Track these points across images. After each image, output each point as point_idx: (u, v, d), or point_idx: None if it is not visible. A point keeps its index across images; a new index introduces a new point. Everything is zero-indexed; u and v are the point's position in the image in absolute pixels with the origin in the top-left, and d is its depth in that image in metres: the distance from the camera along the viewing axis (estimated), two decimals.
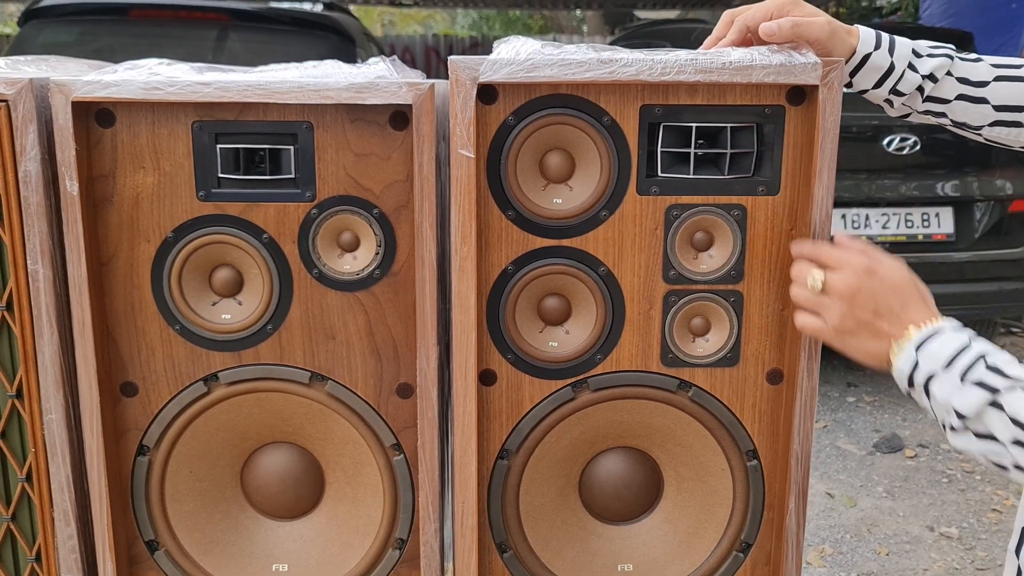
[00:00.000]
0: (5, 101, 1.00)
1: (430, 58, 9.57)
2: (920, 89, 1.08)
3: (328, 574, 1.19)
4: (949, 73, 1.08)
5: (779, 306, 1.12)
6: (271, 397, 1.13)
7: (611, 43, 6.58)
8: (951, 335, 0.94)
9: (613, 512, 1.21)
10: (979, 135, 1.11)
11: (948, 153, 4.11)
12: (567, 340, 1.13)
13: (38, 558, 1.14)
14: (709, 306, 1.12)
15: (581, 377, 1.13)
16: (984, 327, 4.61)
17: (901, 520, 3.22)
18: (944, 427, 0.93)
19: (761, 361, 1.14)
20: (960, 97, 1.08)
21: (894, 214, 4.09)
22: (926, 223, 4.10)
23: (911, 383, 0.95)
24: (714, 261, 1.11)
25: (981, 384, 0.89)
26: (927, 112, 1.11)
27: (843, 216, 4.06)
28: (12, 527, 1.13)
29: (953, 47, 1.10)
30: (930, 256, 4.10)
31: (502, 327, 1.11)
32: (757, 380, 1.14)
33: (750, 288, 1.11)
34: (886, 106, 1.12)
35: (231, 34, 3.72)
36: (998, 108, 1.08)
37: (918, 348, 0.94)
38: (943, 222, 4.11)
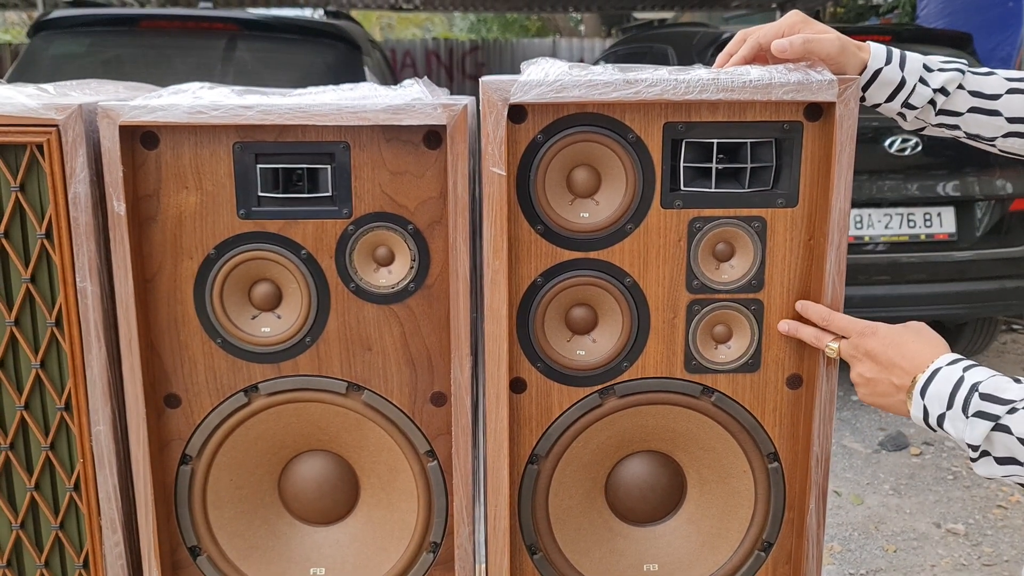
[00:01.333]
0: (56, 126, 1.04)
1: (430, 61, 9.62)
2: (932, 103, 1.12)
3: None
4: (961, 87, 1.12)
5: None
6: (309, 407, 1.17)
7: (611, 46, 6.62)
8: (946, 371, 1.01)
9: (638, 514, 1.25)
10: (993, 146, 1.14)
11: (949, 153, 4.15)
12: (594, 348, 1.17)
13: (86, 564, 1.18)
14: (731, 314, 1.16)
15: (608, 384, 1.17)
16: (986, 325, 4.66)
17: (908, 517, 3.27)
18: (970, 460, 0.99)
19: (781, 367, 1.18)
20: (972, 110, 1.12)
21: (896, 214, 4.13)
22: (928, 223, 4.15)
23: (931, 427, 1.02)
24: (735, 271, 1.15)
25: (981, 414, 0.96)
26: (941, 125, 1.15)
27: None
28: (61, 535, 1.18)
29: (965, 63, 1.14)
30: (932, 256, 4.14)
31: (532, 337, 1.15)
32: (777, 385, 1.18)
33: (770, 296, 1.15)
34: (899, 119, 1.16)
35: (240, 44, 3.76)
36: (1011, 120, 1.11)
37: (923, 394, 1.01)
38: (945, 222, 4.15)
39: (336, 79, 3.89)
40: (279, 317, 1.15)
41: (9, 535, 1.17)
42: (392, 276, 1.14)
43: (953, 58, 1.15)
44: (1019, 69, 5.96)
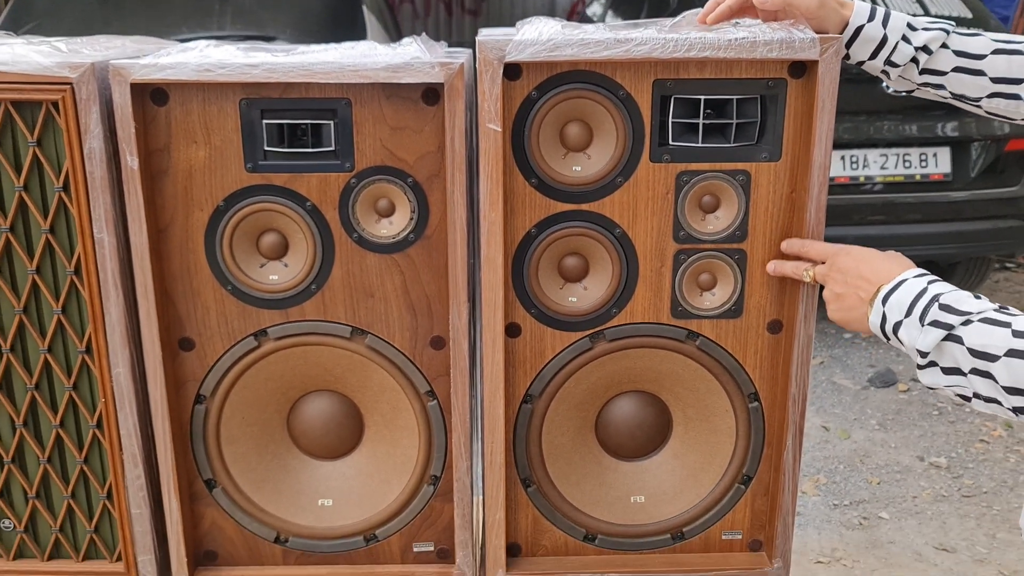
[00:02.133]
0: (70, 83, 1.09)
1: None
2: (915, 61, 1.15)
3: (369, 507, 1.31)
4: (945, 46, 1.15)
5: (782, 254, 1.22)
6: (315, 350, 1.24)
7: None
8: (911, 283, 1.04)
9: (626, 449, 1.33)
10: (979, 107, 1.17)
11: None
12: (585, 295, 1.23)
13: (109, 496, 1.26)
14: (715, 263, 1.22)
15: (598, 329, 1.24)
16: (978, 264, 4.72)
17: (892, 451, 3.38)
18: (917, 368, 1.04)
19: (763, 313, 1.24)
20: (957, 69, 1.15)
21: (892, 154, 4.16)
22: (924, 163, 4.18)
23: (885, 335, 1.05)
24: (720, 222, 1.21)
25: (936, 323, 0.98)
26: (926, 84, 1.18)
27: (842, 157, 4.12)
28: (85, 469, 1.26)
29: (952, 24, 1.16)
30: (927, 196, 4.18)
31: (526, 284, 1.22)
32: (759, 330, 1.25)
33: (753, 246, 1.21)
34: (884, 77, 1.20)
35: None
36: (995, 80, 1.14)
37: (884, 301, 1.04)
38: (940, 162, 4.18)
39: (333, 19, 3.90)
40: (286, 265, 1.21)
41: (37, 469, 1.25)
42: (393, 227, 1.19)
43: (941, 19, 1.17)
44: (1017, 31, 5.87)
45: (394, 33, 4.87)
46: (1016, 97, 1.15)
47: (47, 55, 1.10)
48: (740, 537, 1.34)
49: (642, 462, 1.34)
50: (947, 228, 4.23)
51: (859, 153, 4.15)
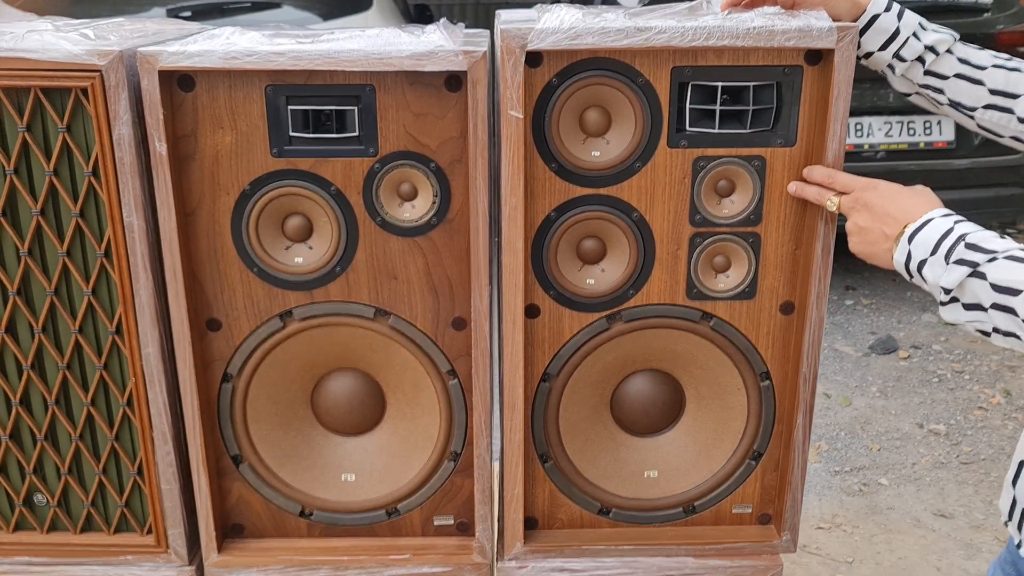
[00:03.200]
0: (99, 71, 1.11)
1: None
2: (921, 59, 1.19)
3: (391, 482, 1.35)
4: (950, 51, 1.18)
5: (792, 246, 1.25)
6: (339, 330, 1.27)
7: None
8: (938, 222, 1.05)
9: (641, 426, 1.37)
10: (972, 117, 1.21)
11: None
12: (603, 277, 1.26)
13: (140, 472, 1.30)
14: (730, 246, 1.25)
15: (615, 310, 1.27)
16: None
17: (893, 418, 3.43)
18: (940, 304, 1.06)
19: (775, 294, 1.27)
20: (958, 76, 1.18)
21: (897, 122, 4.16)
22: (928, 131, 4.18)
23: (909, 273, 1.08)
24: (735, 206, 1.23)
25: (962, 261, 1.01)
26: (926, 87, 1.21)
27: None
28: (116, 446, 1.29)
29: (958, 35, 1.20)
30: (931, 164, 4.20)
31: (545, 267, 1.25)
32: (771, 311, 1.28)
33: (767, 230, 1.24)
34: (889, 72, 1.22)
35: None
36: (993, 92, 1.18)
37: (910, 240, 1.07)
38: (944, 130, 4.19)
39: None
40: (311, 248, 1.24)
41: (70, 446, 1.29)
42: (416, 211, 1.22)
43: (948, 30, 1.20)
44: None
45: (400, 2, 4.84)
46: (1009, 111, 1.19)
47: (76, 43, 1.11)
48: (750, 511, 1.39)
49: (656, 438, 1.38)
50: (950, 195, 4.23)
51: (863, 120, 4.16)
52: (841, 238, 1.17)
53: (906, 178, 4.19)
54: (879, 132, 4.16)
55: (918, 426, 3.37)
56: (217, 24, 3.49)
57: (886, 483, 3.00)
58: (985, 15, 4.30)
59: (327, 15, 3.62)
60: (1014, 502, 1.17)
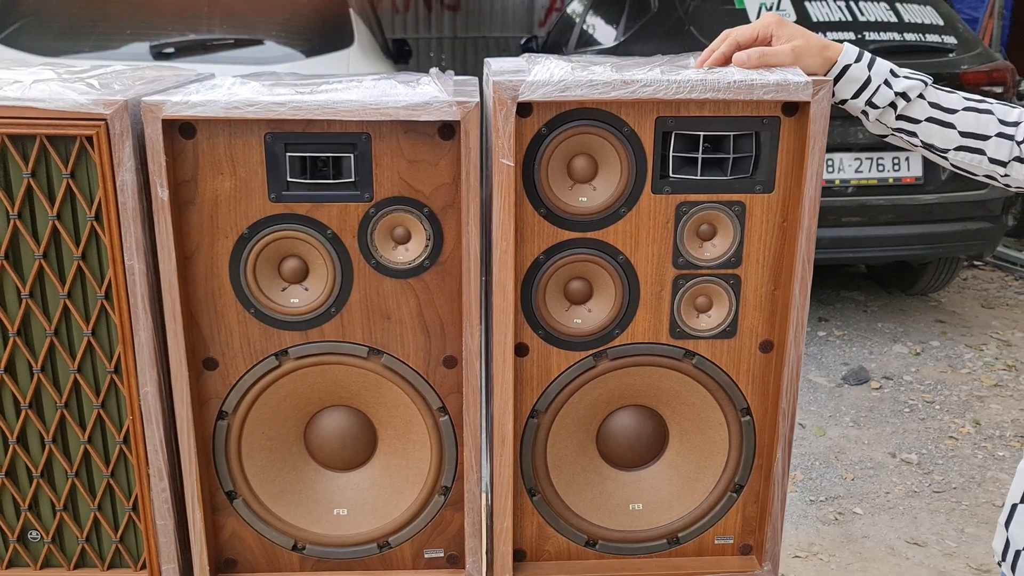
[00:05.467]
0: (104, 120, 1.14)
1: None
2: (893, 105, 1.25)
3: (382, 516, 1.38)
4: (922, 96, 1.25)
5: (771, 287, 1.30)
6: (333, 368, 1.31)
7: None
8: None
9: (626, 460, 1.41)
10: (945, 158, 1.27)
11: None
12: (589, 317, 1.31)
13: (135, 508, 1.32)
14: (712, 287, 1.30)
15: (601, 348, 1.32)
16: (948, 264, 4.86)
17: (866, 447, 3.50)
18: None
19: (755, 333, 1.33)
20: (930, 120, 1.25)
21: (867, 158, 4.28)
22: (896, 167, 4.30)
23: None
24: (716, 249, 1.28)
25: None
26: (900, 130, 1.27)
27: None
28: (112, 482, 1.31)
29: (931, 79, 1.26)
30: (900, 199, 4.31)
31: (534, 307, 1.29)
32: (751, 349, 1.33)
33: (747, 272, 1.29)
34: (863, 118, 1.29)
35: None
36: (964, 134, 1.24)
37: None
38: (912, 166, 4.31)
39: (322, 20, 3.93)
40: (306, 289, 1.27)
41: (65, 483, 1.31)
42: (409, 253, 1.26)
43: (920, 75, 1.27)
44: (993, 5, 5.97)
45: (378, 33, 4.91)
46: (980, 152, 1.24)
47: (82, 92, 1.15)
48: (732, 542, 1.43)
49: (640, 472, 1.42)
50: (919, 230, 4.37)
51: (834, 156, 4.27)
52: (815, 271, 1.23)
53: (876, 212, 4.31)
54: (849, 168, 4.26)
55: (891, 455, 3.44)
56: (201, 60, 3.55)
57: (861, 512, 3.06)
58: (950, 55, 4.44)
59: (310, 52, 3.68)
60: (1007, 543, 1.22)
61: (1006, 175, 1.24)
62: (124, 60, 3.51)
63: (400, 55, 5.60)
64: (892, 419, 3.72)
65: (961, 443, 3.53)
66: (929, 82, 1.25)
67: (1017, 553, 1.22)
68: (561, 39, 6.49)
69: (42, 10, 3.70)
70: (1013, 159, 1.23)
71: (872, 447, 3.50)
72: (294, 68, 3.58)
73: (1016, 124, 1.23)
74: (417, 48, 9.30)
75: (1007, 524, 1.24)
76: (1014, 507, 1.21)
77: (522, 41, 7.55)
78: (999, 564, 1.24)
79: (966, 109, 1.24)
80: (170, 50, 3.60)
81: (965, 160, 1.25)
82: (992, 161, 1.24)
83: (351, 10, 3.94)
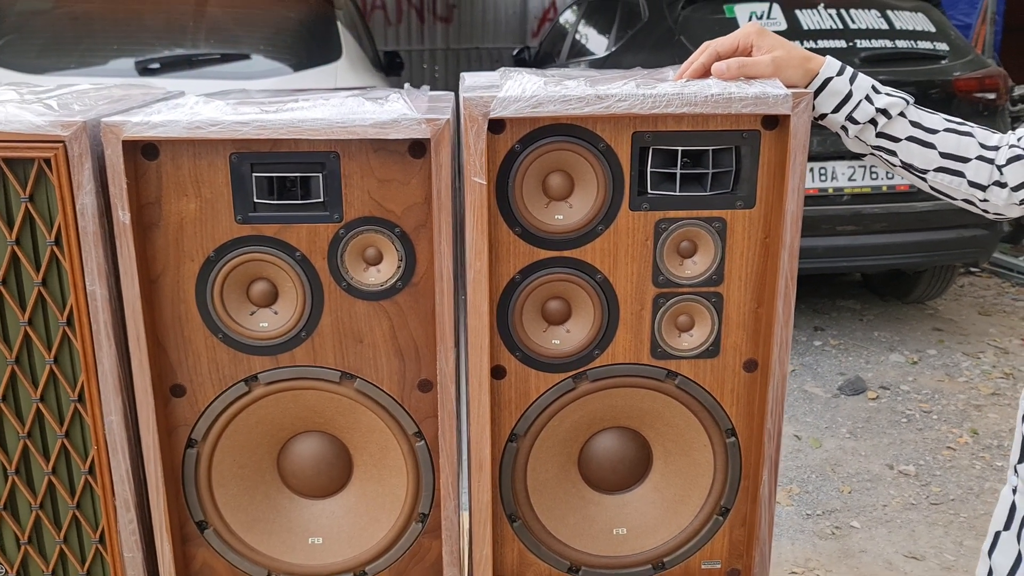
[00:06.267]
0: (62, 142, 1.11)
1: (400, 3, 9.49)
2: (873, 122, 1.22)
3: (358, 545, 1.34)
4: (903, 114, 1.21)
5: (754, 304, 1.27)
6: (305, 394, 1.27)
7: None
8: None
9: (609, 483, 1.37)
10: (924, 179, 1.24)
11: None
12: (568, 338, 1.27)
13: (102, 540, 1.28)
14: (693, 306, 1.26)
15: (581, 370, 1.28)
16: (943, 271, 4.83)
17: (863, 459, 3.45)
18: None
19: (739, 352, 1.29)
20: (910, 139, 1.21)
21: (860, 166, 4.24)
22: (890, 175, 4.26)
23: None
24: (697, 267, 1.25)
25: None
26: (879, 148, 1.24)
27: (811, 169, 4.20)
28: (78, 514, 1.27)
29: (912, 98, 1.23)
30: (894, 206, 4.28)
31: (511, 328, 1.25)
32: (735, 369, 1.30)
33: (729, 289, 1.26)
34: (842, 133, 1.26)
35: (211, 0, 3.74)
36: (944, 155, 1.21)
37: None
38: None
39: (309, 34, 3.91)
40: (276, 313, 1.24)
41: (29, 516, 1.27)
42: (381, 275, 1.23)
43: (901, 93, 1.24)
44: (985, 11, 5.95)
45: (368, 46, 4.88)
46: (960, 175, 1.21)
47: (39, 114, 1.11)
48: (719, 567, 1.39)
49: (624, 495, 1.38)
50: (914, 238, 4.33)
51: (828, 165, 4.23)
52: (803, 282, 1.19)
53: (870, 220, 4.27)
54: (843, 176, 4.23)
55: (888, 467, 3.39)
56: (187, 76, 3.52)
57: (858, 526, 3.02)
58: (942, 62, 4.42)
59: (297, 66, 3.65)
60: (990, 572, 1.18)
61: (985, 199, 1.22)
62: (109, 76, 3.48)
63: (392, 67, 5.57)
64: (889, 430, 3.68)
65: (959, 453, 3.49)
66: (910, 100, 1.22)
67: None
68: (553, 49, 6.47)
69: (27, 27, 3.67)
70: (993, 183, 1.20)
71: (869, 459, 3.45)
72: (281, 83, 3.56)
73: (996, 148, 1.20)
74: (410, 60, 9.29)
75: (990, 552, 1.20)
76: (997, 535, 1.17)
77: (515, 52, 7.53)
78: None
79: (947, 130, 1.21)
80: (155, 66, 3.57)
81: (944, 182, 1.22)
82: (972, 184, 1.21)
83: (339, 23, 3.92)
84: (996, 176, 1.20)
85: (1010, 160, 1.19)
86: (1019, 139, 1.19)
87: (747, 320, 1.27)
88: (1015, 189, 1.19)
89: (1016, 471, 1.19)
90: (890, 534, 2.97)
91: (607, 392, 1.30)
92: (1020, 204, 1.19)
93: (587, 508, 1.38)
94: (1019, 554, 1.16)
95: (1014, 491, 1.19)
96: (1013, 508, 1.19)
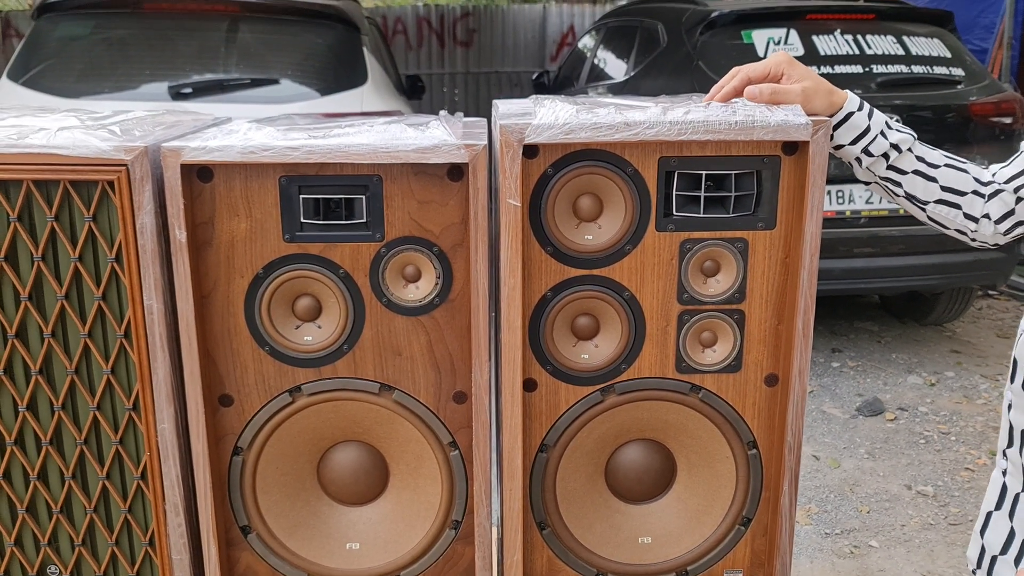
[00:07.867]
0: (125, 165, 1.19)
1: (421, 28, 9.65)
2: (886, 155, 1.31)
3: (394, 551, 1.40)
4: (910, 150, 1.32)
5: (775, 321, 1.33)
6: (346, 404, 1.34)
7: (602, 17, 6.69)
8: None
9: (634, 494, 1.42)
10: (924, 210, 1.34)
11: (927, 129, 4.30)
12: (596, 353, 1.33)
13: (151, 543, 1.35)
14: (716, 322, 1.32)
15: (608, 383, 1.34)
16: (961, 294, 4.85)
17: (881, 480, 3.48)
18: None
19: (760, 367, 1.35)
20: (915, 172, 1.32)
21: None
22: None
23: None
24: (720, 285, 1.31)
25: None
26: (887, 179, 1.33)
27: (829, 192, 4.26)
28: (129, 517, 1.34)
29: (915, 135, 1.33)
30: (911, 229, 4.32)
31: (542, 343, 1.32)
32: (757, 383, 1.35)
33: (751, 307, 1.32)
34: (855, 164, 1.33)
35: (241, 25, 3.85)
36: (944, 188, 1.32)
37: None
38: None
39: (336, 59, 4.02)
40: (320, 327, 1.31)
41: (84, 518, 1.34)
42: (419, 291, 1.29)
43: (908, 129, 1.34)
44: (1002, 36, 6.03)
45: (391, 70, 4.99)
46: (957, 207, 1.33)
47: (104, 139, 1.19)
48: (741, 575, 1.44)
49: (649, 505, 1.43)
50: (931, 260, 4.37)
51: (845, 188, 4.29)
52: (821, 303, 1.26)
53: (888, 243, 4.31)
54: (860, 199, 4.28)
55: (906, 488, 3.42)
56: (218, 100, 3.62)
57: (876, 545, 3.04)
58: (958, 87, 4.47)
59: (324, 90, 3.75)
60: (983, 550, 1.24)
61: (975, 231, 1.34)
62: (143, 101, 3.59)
63: (413, 91, 5.68)
64: (907, 451, 3.70)
65: (978, 475, 3.51)
66: (915, 136, 1.32)
67: (993, 558, 1.24)
68: (572, 74, 6.56)
69: (63, 53, 3.79)
70: (983, 216, 1.32)
71: (887, 479, 3.48)
72: (309, 107, 3.65)
73: (988, 184, 1.32)
74: (430, 84, 9.42)
75: (982, 532, 1.26)
76: (989, 514, 1.24)
77: (534, 76, 7.64)
78: (973, 573, 1.26)
79: (947, 166, 1.33)
80: (188, 90, 3.68)
81: (941, 213, 1.33)
82: (966, 216, 1.33)
83: (365, 48, 4.02)
84: (985, 210, 1.32)
85: (990, 196, 1.31)
86: (993, 175, 1.32)
87: (768, 336, 1.33)
88: (997, 221, 1.31)
89: (1005, 455, 1.26)
90: (909, 554, 2.99)
91: (633, 405, 1.36)
92: (1004, 235, 1.32)
93: (613, 517, 1.43)
94: (1011, 530, 1.22)
95: (1004, 473, 1.26)
96: (1004, 489, 1.25)
